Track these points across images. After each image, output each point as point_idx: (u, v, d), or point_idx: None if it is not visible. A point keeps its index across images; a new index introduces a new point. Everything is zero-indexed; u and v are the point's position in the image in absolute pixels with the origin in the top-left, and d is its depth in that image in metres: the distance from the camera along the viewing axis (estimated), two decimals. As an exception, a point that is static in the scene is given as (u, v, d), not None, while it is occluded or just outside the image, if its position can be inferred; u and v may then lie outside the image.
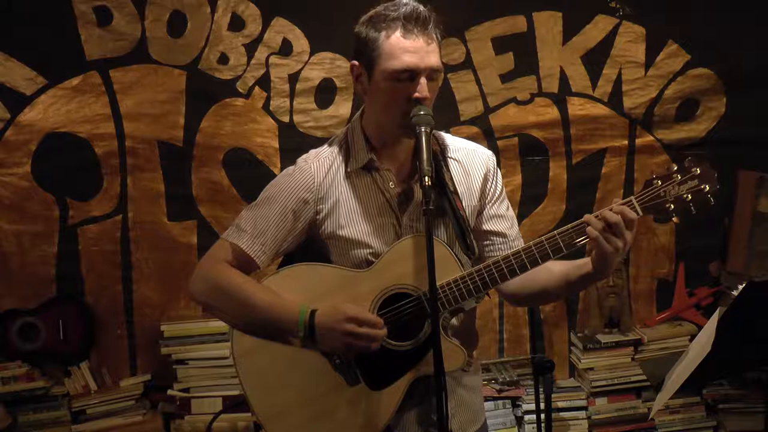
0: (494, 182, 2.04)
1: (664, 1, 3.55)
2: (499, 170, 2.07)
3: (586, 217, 1.80)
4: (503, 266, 1.84)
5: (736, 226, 3.63)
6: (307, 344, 1.85)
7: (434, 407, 1.86)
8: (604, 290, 3.61)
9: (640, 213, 1.80)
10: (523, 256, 1.84)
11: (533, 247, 1.83)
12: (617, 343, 3.57)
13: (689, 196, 1.79)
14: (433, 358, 1.71)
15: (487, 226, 2.03)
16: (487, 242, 2.02)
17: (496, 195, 2.04)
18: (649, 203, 1.80)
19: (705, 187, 1.79)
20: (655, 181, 1.81)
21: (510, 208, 2.07)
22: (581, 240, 1.81)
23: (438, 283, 1.77)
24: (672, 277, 3.71)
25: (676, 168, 1.81)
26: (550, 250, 1.82)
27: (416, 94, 1.83)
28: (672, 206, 1.80)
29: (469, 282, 1.85)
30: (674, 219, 1.81)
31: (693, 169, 1.79)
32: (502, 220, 2.04)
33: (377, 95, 1.88)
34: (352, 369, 1.88)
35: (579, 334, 3.65)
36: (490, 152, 2.07)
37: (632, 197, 1.81)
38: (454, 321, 1.99)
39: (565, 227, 1.83)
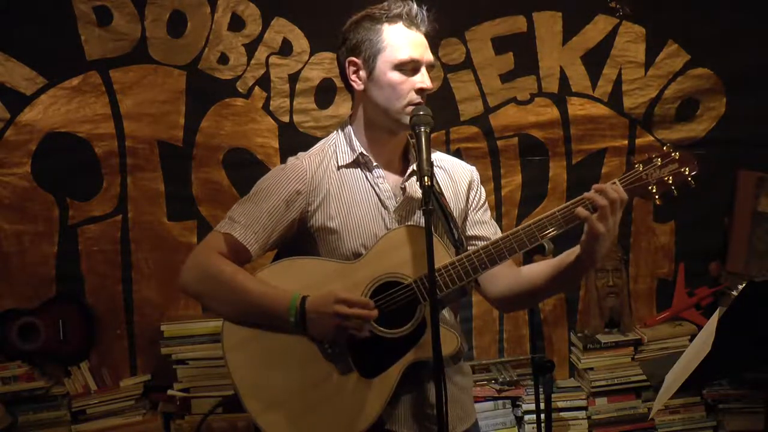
0: (478, 192, 2.12)
1: (664, 1, 3.55)
2: (482, 186, 2.14)
3: (575, 200, 1.85)
4: (492, 250, 1.88)
5: (736, 226, 3.63)
6: (298, 329, 1.86)
7: (427, 400, 1.87)
8: (604, 290, 3.61)
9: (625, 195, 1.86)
10: (511, 239, 1.87)
11: (521, 231, 1.87)
12: (617, 343, 3.57)
13: (670, 179, 1.86)
14: (427, 343, 1.75)
15: (471, 232, 2.08)
16: (472, 247, 2.04)
17: (480, 203, 2.11)
18: (631, 185, 1.87)
19: (685, 170, 1.86)
20: (636, 165, 1.88)
21: (492, 219, 2.14)
22: (567, 224, 1.85)
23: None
24: (672, 277, 3.71)
25: (656, 154, 1.88)
26: (537, 232, 1.86)
27: (421, 84, 1.91)
28: (654, 188, 1.86)
29: (459, 267, 1.88)
30: (657, 201, 1.88)
31: (673, 153, 1.87)
32: (486, 225, 2.10)
33: (380, 87, 1.93)
34: (344, 357, 1.89)
35: (579, 334, 3.65)
36: (473, 167, 2.16)
37: (615, 180, 1.87)
38: (444, 313, 2.01)
39: (551, 211, 1.87)
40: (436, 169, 2.02)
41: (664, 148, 1.89)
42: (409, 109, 1.90)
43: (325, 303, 1.83)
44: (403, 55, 1.90)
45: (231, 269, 1.92)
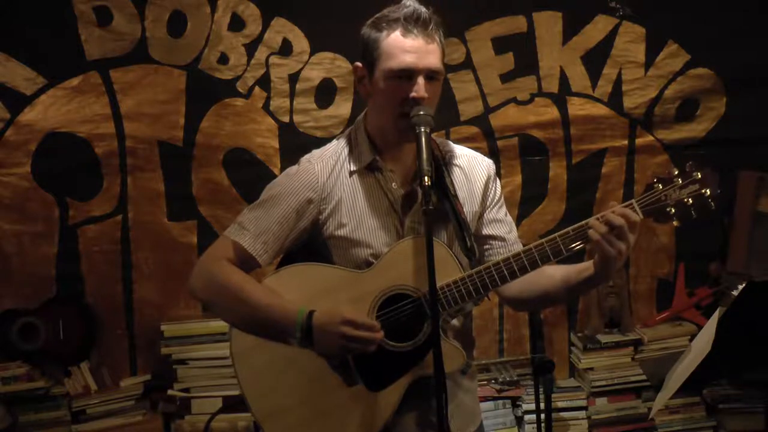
0: (494, 188, 2.06)
1: (664, 1, 3.55)
2: (498, 178, 2.09)
3: (590, 220, 1.80)
4: (503, 268, 1.85)
5: (736, 226, 3.63)
6: (304, 345, 1.84)
7: (433, 409, 1.86)
8: (604, 290, 3.61)
9: (641, 216, 1.80)
10: (523, 258, 1.84)
11: (533, 249, 1.84)
12: (617, 343, 3.57)
13: (690, 200, 1.80)
14: (432, 359, 1.71)
15: (486, 231, 2.04)
16: (487, 246, 2.03)
17: (496, 200, 2.06)
18: (649, 206, 1.81)
19: (706, 192, 1.80)
20: (656, 185, 1.81)
21: (508, 214, 2.09)
22: (581, 244, 1.82)
23: (438, 285, 1.77)
24: (672, 277, 3.71)
25: (677, 172, 1.81)
26: (549, 252, 1.83)
27: (413, 94, 1.83)
28: (673, 210, 1.81)
29: (468, 283, 1.86)
30: (675, 222, 1.81)
31: (694, 173, 1.80)
32: (501, 224, 2.05)
33: (377, 96, 1.89)
34: (350, 369, 1.88)
35: (579, 334, 3.65)
36: (490, 160, 2.09)
37: (633, 200, 1.82)
38: (455, 322, 2.00)
39: (565, 230, 1.83)
40: (454, 168, 2.00)
41: (687, 166, 1.81)
42: (401, 120, 1.83)
43: (331, 322, 1.80)
44: (395, 64, 1.82)
45: (238, 279, 1.89)
